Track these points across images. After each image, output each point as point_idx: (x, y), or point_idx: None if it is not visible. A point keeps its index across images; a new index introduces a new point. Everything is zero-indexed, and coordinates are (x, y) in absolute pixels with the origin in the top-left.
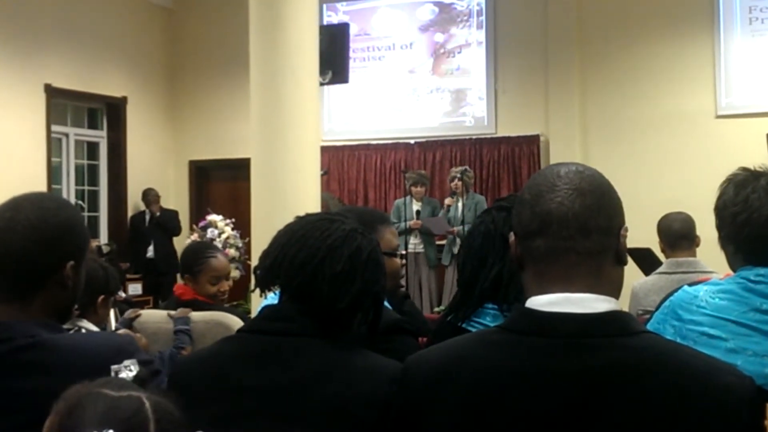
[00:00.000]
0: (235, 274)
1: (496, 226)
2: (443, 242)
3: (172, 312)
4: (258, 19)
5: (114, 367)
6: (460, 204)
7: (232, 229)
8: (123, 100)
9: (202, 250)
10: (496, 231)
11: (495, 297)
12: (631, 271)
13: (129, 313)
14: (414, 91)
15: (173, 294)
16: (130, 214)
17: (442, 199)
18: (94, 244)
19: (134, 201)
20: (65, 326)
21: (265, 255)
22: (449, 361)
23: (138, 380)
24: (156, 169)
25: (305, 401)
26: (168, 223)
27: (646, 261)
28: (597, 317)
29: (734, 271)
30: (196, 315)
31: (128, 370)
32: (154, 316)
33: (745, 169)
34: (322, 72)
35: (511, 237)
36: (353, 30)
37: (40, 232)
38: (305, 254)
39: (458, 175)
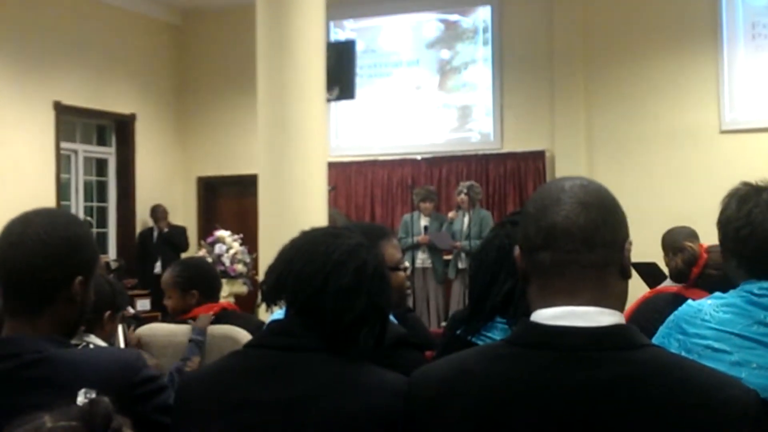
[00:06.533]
0: (243, 289)
1: (510, 241)
2: (451, 257)
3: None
4: (265, 37)
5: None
6: (466, 219)
7: (240, 245)
8: (132, 117)
9: None
10: (510, 245)
11: (506, 312)
12: (636, 285)
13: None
14: (420, 108)
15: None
16: (138, 230)
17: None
18: (103, 260)
19: (142, 217)
20: (73, 341)
21: (271, 270)
22: (454, 375)
23: (88, 412)
24: (164, 185)
25: (310, 416)
26: (176, 240)
27: (651, 275)
28: (602, 331)
29: (737, 285)
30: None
31: (82, 396)
32: (163, 330)
33: (746, 184)
34: (329, 89)
35: (516, 251)
36: (360, 47)
37: (50, 247)
38: (311, 269)
39: (464, 190)
